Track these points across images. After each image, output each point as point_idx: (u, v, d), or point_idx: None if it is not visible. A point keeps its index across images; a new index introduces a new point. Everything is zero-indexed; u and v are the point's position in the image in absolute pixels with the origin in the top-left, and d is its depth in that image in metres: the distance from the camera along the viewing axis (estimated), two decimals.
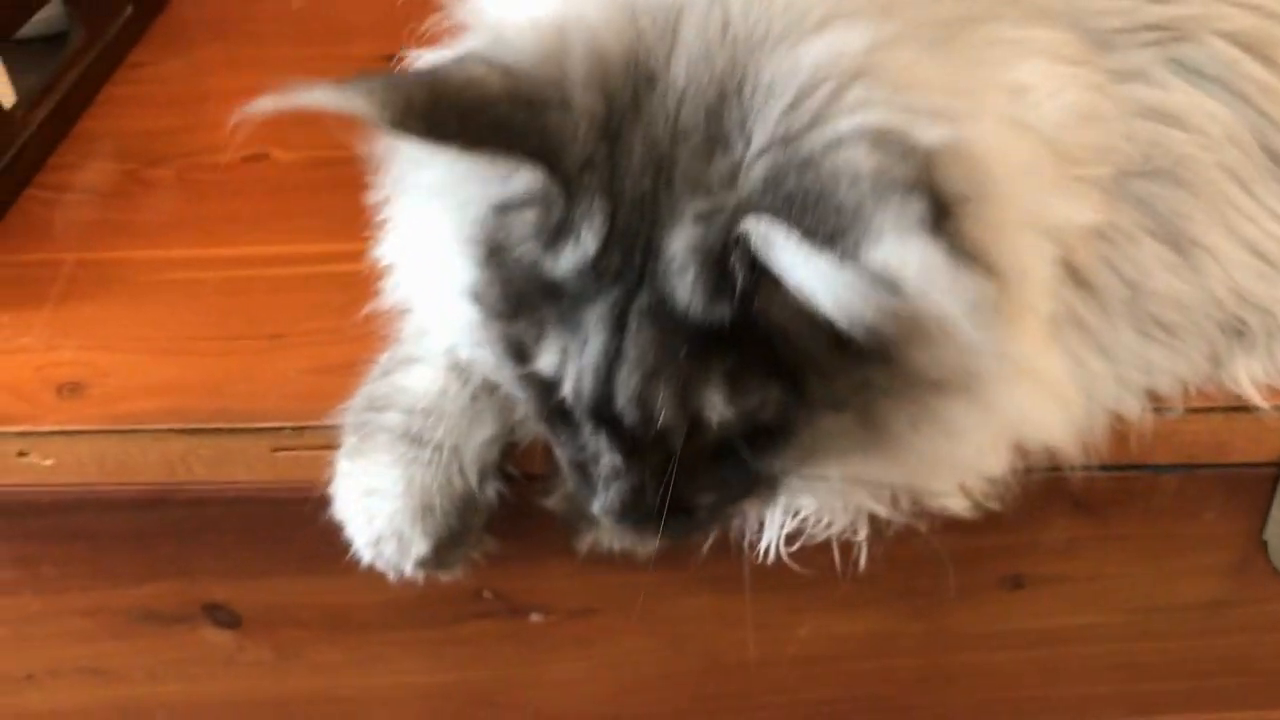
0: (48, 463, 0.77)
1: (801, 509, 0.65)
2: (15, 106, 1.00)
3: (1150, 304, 0.69)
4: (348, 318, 0.77)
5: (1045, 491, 0.75)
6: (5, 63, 1.01)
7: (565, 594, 0.84)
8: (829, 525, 0.66)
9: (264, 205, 0.96)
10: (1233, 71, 0.70)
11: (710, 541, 0.73)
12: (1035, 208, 0.55)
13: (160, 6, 1.24)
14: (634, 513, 0.57)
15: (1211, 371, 0.73)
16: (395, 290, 0.74)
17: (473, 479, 0.71)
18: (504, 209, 0.54)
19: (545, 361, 0.56)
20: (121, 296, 0.86)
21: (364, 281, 0.77)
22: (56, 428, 0.76)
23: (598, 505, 0.58)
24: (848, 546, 0.68)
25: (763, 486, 0.59)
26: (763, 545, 0.68)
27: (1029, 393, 0.58)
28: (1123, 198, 0.67)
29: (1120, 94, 0.68)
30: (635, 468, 0.56)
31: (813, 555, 0.69)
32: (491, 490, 0.72)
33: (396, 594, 0.83)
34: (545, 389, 0.58)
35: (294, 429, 0.75)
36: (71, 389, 0.78)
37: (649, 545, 0.63)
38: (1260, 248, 0.71)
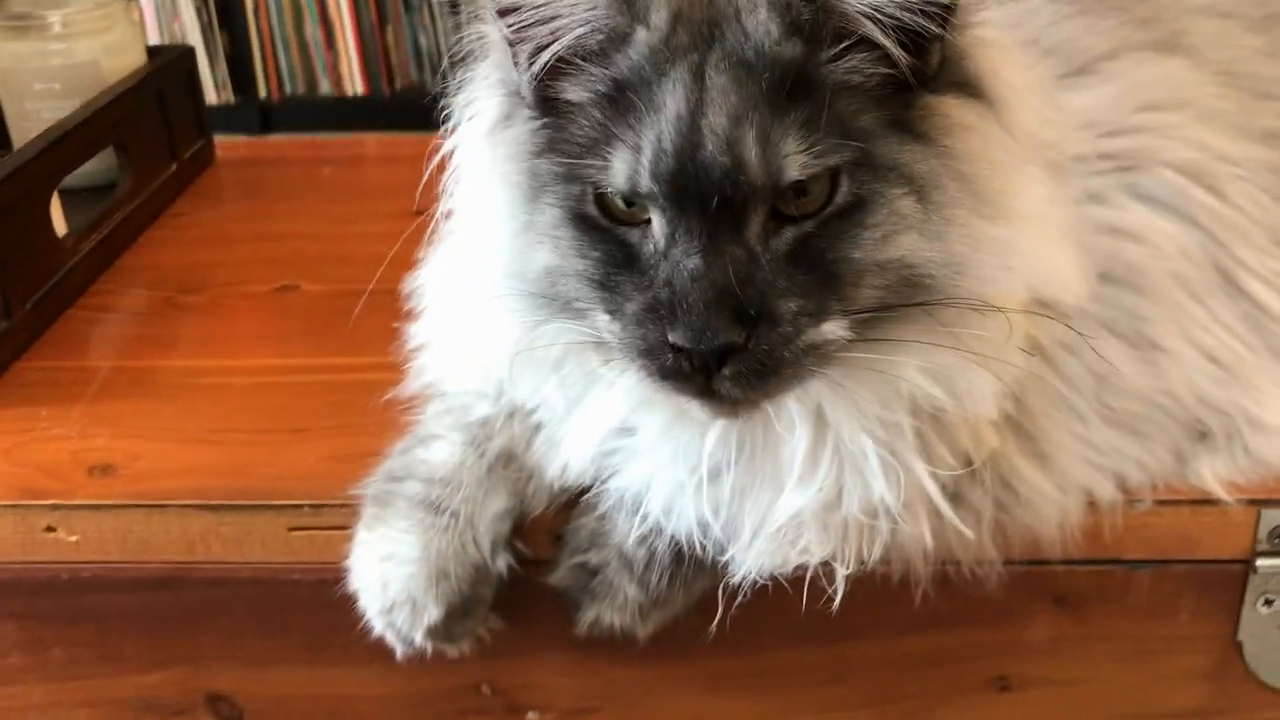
0: (73, 539, 0.80)
1: (781, 522, 0.68)
2: (66, 236, 1.08)
3: (1115, 396, 0.75)
4: (368, 415, 0.83)
5: (1027, 587, 0.80)
6: (62, 202, 1.10)
7: (563, 691, 0.86)
8: (805, 550, 0.69)
9: (292, 326, 1.03)
10: (1183, 198, 0.78)
11: (712, 634, 0.75)
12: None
13: (202, 168, 1.34)
14: (719, 314, 0.57)
15: (1177, 468, 0.78)
16: (423, 372, 0.80)
17: (485, 548, 0.75)
18: (579, 43, 0.61)
19: (618, 164, 0.60)
20: (153, 396, 0.92)
21: (384, 386, 0.83)
22: (85, 502, 0.80)
23: (679, 329, 0.57)
24: (819, 592, 0.71)
25: (835, 300, 0.60)
26: (742, 573, 0.70)
27: (1044, 236, 0.65)
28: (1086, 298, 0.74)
29: (1081, 214, 0.76)
30: (717, 264, 0.57)
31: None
32: (502, 562, 0.76)
33: (397, 687, 0.85)
34: (612, 240, 0.61)
35: (312, 507, 0.79)
36: (103, 470, 0.83)
37: (735, 369, 0.59)
38: (1216, 355, 0.78)
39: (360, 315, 1.02)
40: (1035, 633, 0.82)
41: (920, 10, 0.58)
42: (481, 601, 0.76)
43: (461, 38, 0.68)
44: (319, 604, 0.80)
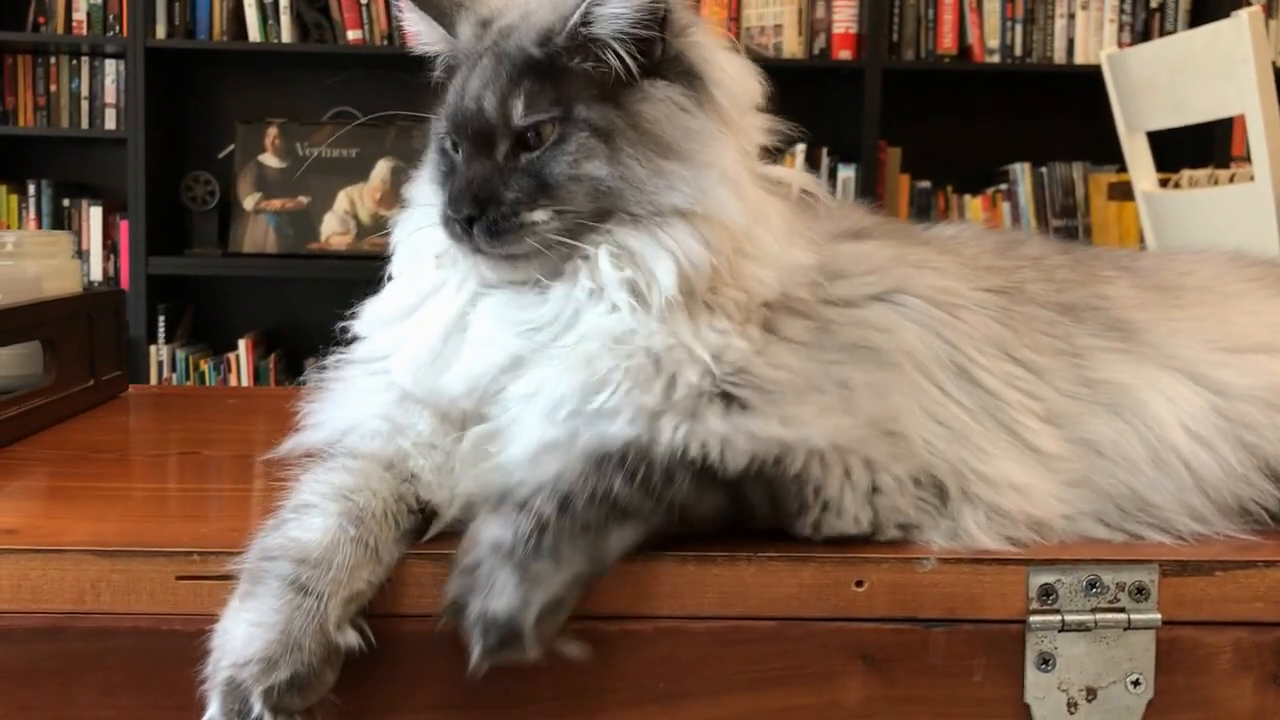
0: None
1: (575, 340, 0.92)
2: None
3: (855, 409, 0.92)
4: (268, 513, 0.92)
5: (838, 644, 0.90)
6: None
7: None
8: (602, 372, 0.89)
9: (189, 471, 1.14)
10: (925, 315, 0.99)
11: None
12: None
13: (116, 394, 1.47)
14: (465, 197, 0.92)
15: (950, 526, 0.92)
16: (315, 430, 0.95)
17: (331, 625, 0.81)
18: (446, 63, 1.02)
19: (445, 116, 0.98)
20: (61, 499, 1.02)
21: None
22: None
23: (448, 204, 0.93)
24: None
25: (545, 198, 0.92)
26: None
27: (721, 181, 0.94)
28: (829, 372, 0.93)
29: (840, 314, 0.96)
30: (475, 165, 0.94)
31: None
32: (351, 638, 0.83)
33: None
34: (449, 161, 0.98)
35: (200, 554, 0.88)
36: (7, 533, 0.91)
37: (479, 229, 0.92)
38: (944, 420, 0.95)
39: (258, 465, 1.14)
40: (850, 694, 0.91)
41: (643, 25, 0.92)
42: (324, 683, 0.81)
43: None
44: (192, 659, 0.85)
